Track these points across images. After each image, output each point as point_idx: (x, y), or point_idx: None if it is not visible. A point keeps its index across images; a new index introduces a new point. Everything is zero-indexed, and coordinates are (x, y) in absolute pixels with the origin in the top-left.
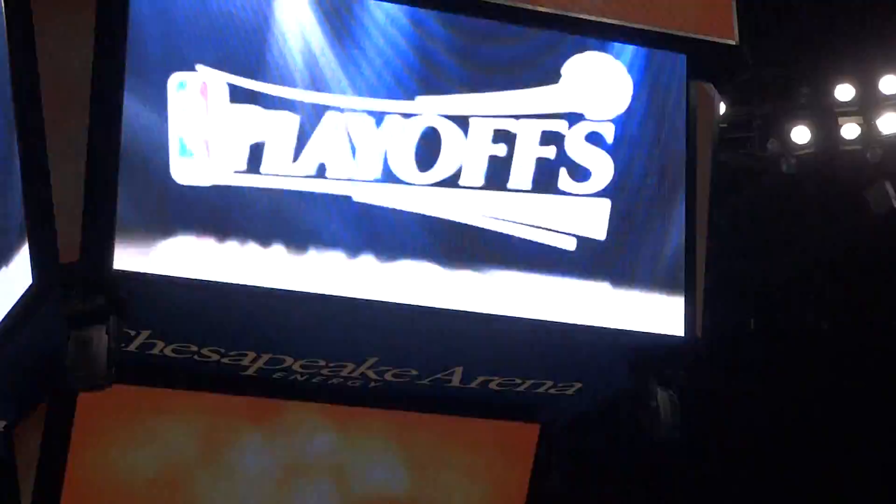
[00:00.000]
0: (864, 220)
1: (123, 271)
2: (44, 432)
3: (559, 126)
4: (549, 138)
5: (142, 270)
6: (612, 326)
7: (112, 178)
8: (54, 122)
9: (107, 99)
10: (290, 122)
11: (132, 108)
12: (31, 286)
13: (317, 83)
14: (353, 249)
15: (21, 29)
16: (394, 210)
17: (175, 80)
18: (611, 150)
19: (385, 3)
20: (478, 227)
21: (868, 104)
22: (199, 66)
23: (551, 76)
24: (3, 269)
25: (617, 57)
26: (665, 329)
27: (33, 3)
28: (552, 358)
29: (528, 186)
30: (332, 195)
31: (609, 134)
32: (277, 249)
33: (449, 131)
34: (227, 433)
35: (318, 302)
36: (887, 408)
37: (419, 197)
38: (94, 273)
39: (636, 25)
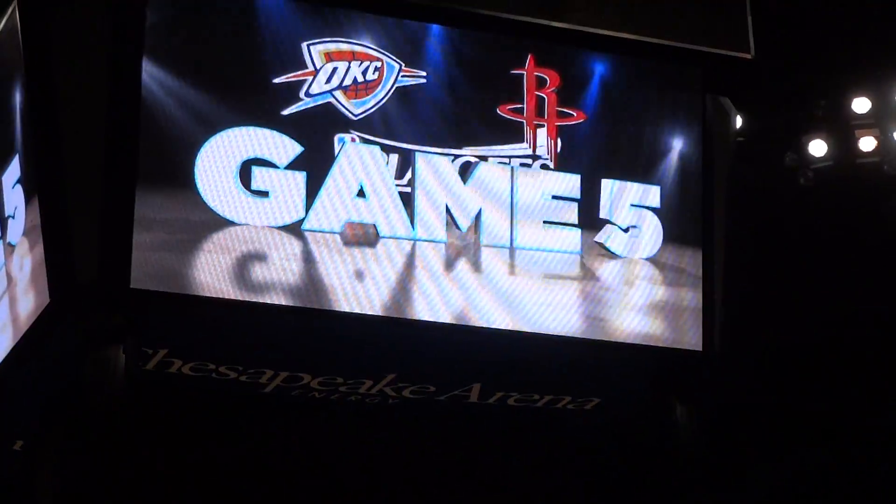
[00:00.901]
0: (882, 232)
1: (141, 290)
2: (62, 452)
3: None
4: None
5: (159, 289)
6: (632, 342)
7: (129, 197)
8: (71, 138)
9: (124, 116)
10: None
11: None
12: (48, 305)
13: None
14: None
15: (38, 51)
16: None
17: None
18: None
19: None
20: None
21: (885, 117)
22: None
23: None
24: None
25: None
26: (684, 344)
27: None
28: (570, 373)
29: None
30: None
31: None
32: (294, 268)
33: None
34: (243, 452)
35: (336, 319)
36: None
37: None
38: (112, 292)
39: (653, 41)
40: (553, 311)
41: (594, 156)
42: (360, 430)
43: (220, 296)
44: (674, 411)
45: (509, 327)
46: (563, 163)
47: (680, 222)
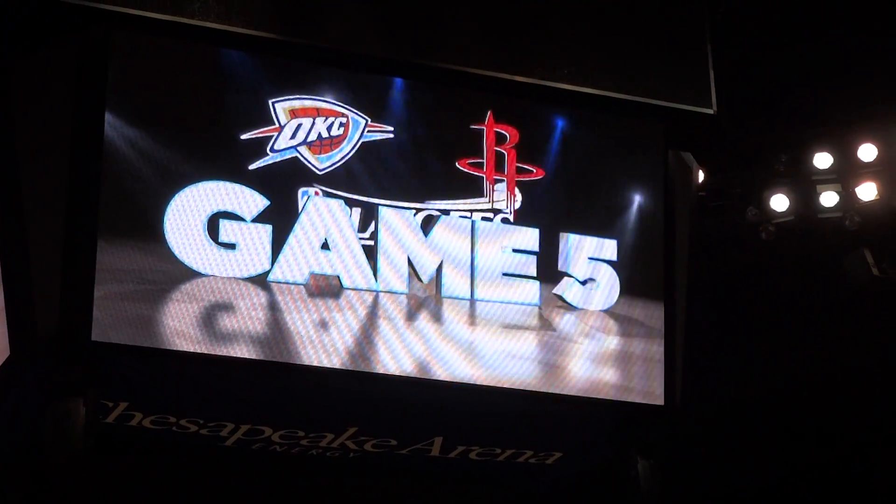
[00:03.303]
0: (844, 288)
1: (102, 343)
2: None
3: None
4: None
5: (122, 342)
6: (592, 395)
7: (91, 250)
8: (33, 191)
9: (86, 169)
10: None
11: None
12: (8, 357)
13: None
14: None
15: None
16: None
17: None
18: None
19: None
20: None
21: (846, 172)
22: None
23: None
24: None
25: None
26: (645, 398)
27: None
28: (532, 427)
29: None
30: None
31: None
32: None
33: None
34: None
35: (298, 372)
36: (870, 475)
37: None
38: (73, 344)
39: (616, 95)
40: (513, 363)
41: (554, 210)
42: (320, 484)
43: (186, 348)
44: (635, 465)
45: (470, 379)
46: (522, 217)
47: (639, 275)
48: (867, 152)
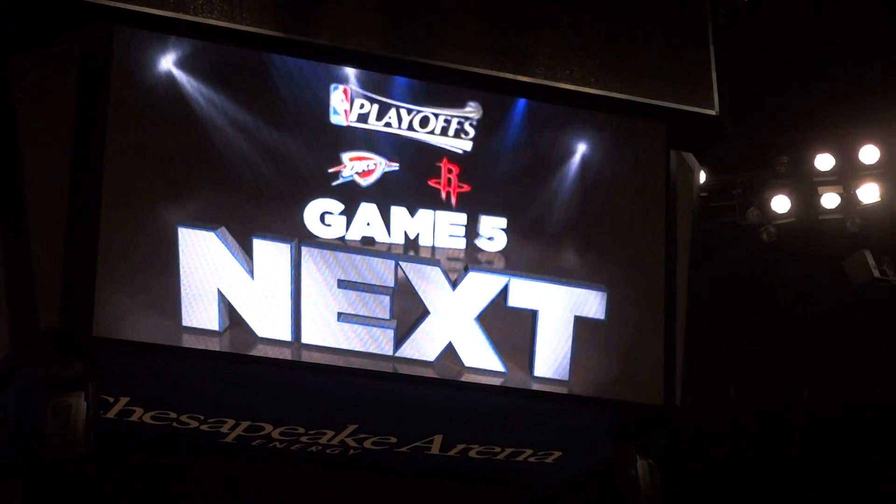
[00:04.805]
0: (844, 289)
1: (104, 338)
2: (22, 500)
3: None
4: None
5: (122, 337)
6: (593, 395)
7: (92, 246)
8: (34, 186)
9: (87, 168)
10: None
11: None
12: (9, 352)
13: None
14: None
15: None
16: None
17: None
18: None
19: None
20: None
21: (848, 174)
22: None
23: None
24: None
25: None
26: (644, 398)
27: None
28: (532, 426)
29: None
30: None
31: None
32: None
33: None
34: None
35: (296, 369)
36: (867, 476)
37: None
38: (74, 339)
39: (618, 96)
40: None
41: (558, 217)
42: (320, 481)
43: (187, 344)
44: (635, 464)
45: (470, 377)
46: (527, 228)
47: (639, 275)
48: (869, 154)
